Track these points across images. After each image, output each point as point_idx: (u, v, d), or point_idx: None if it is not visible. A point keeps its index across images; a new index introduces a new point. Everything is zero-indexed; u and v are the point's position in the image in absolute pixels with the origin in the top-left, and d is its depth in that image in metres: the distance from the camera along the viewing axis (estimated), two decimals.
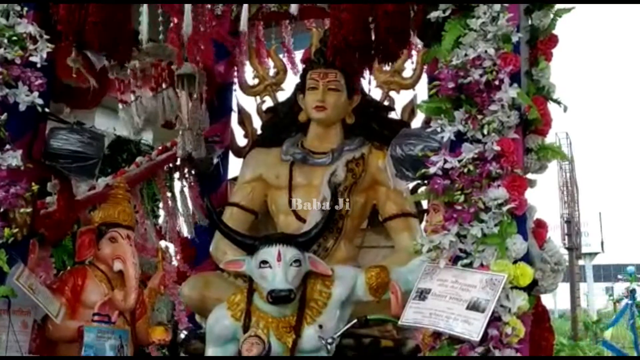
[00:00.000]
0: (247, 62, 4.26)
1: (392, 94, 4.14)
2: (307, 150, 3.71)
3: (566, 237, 18.39)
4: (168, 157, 3.87)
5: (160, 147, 4.00)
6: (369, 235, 3.90)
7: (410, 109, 4.02)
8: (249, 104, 4.26)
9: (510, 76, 2.22)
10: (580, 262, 23.73)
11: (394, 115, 4.03)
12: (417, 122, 3.94)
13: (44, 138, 2.57)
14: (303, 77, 3.79)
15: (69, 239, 3.07)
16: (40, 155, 2.54)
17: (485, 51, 2.18)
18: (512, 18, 2.24)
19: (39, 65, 2.41)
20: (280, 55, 4.42)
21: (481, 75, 2.18)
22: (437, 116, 2.25)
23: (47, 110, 2.46)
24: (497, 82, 2.18)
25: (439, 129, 2.22)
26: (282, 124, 3.92)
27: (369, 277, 2.99)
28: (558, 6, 2.41)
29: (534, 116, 2.22)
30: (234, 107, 4.22)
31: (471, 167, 2.15)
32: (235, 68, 4.27)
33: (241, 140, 4.25)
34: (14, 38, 2.40)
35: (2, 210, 2.28)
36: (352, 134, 3.74)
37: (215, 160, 4.05)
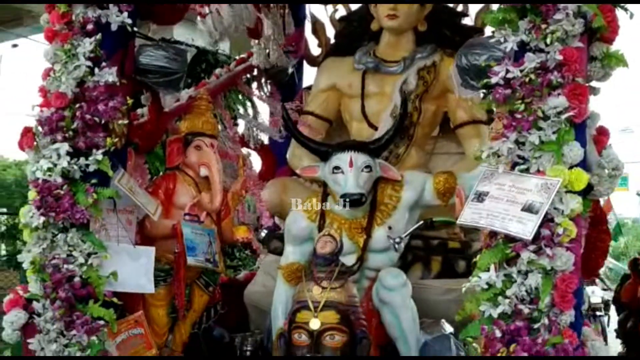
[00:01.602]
0: None
1: None
2: (379, 59, 3.82)
3: None
4: (246, 68, 4.11)
5: (237, 59, 4.24)
6: (441, 142, 4.04)
7: (484, 14, 4.03)
8: (322, 13, 4.41)
9: None
10: None
11: (468, 21, 4.08)
12: (490, 29, 3.96)
13: (134, 55, 2.86)
14: None
15: (160, 147, 3.42)
16: (131, 71, 2.84)
17: None
18: None
19: None
20: None
21: None
22: (502, 26, 2.34)
23: (135, 29, 2.73)
24: None
25: (502, 40, 2.33)
26: (355, 33, 4.03)
27: (437, 182, 3.17)
28: None
29: (599, 24, 2.26)
30: (308, 16, 4.38)
31: (533, 77, 2.25)
32: None
33: (315, 50, 4.44)
34: None
35: (103, 122, 2.62)
36: (424, 41, 3.82)
37: (290, 70, 4.27)
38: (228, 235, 3.26)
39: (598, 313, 10.09)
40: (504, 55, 2.35)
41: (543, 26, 2.26)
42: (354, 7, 4.21)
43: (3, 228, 11.19)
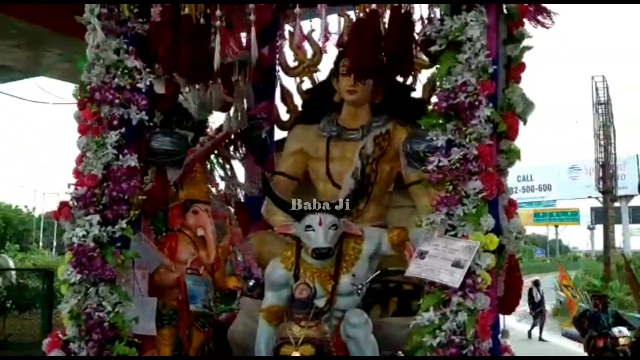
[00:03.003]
0: (288, 47, 5.36)
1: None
2: (341, 127, 4.68)
3: (600, 181, 19.31)
4: (225, 135, 5.04)
5: (217, 127, 5.17)
6: (396, 197, 4.83)
7: (430, 88, 5.03)
8: (291, 84, 5.40)
9: (489, 97, 3.31)
10: (617, 204, 24.80)
11: (416, 93, 5.08)
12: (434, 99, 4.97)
13: (146, 140, 3.78)
14: (337, 63, 4.80)
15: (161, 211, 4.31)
16: (146, 154, 3.75)
17: (469, 79, 3.28)
18: (489, 55, 3.30)
19: (143, 90, 3.61)
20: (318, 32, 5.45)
21: (466, 98, 3.26)
22: (434, 128, 3.38)
23: (151, 124, 3.66)
24: (476, 103, 3.25)
25: (434, 138, 3.36)
26: (319, 104, 4.92)
27: (391, 236, 3.97)
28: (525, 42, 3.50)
29: (501, 129, 3.34)
30: (278, 87, 5.34)
31: (458, 165, 3.25)
32: (277, 52, 5.38)
33: (284, 115, 5.40)
34: (125, 70, 3.58)
35: (126, 197, 3.52)
36: (379, 111, 4.68)
37: (263, 136, 5.21)
38: (221, 284, 4.20)
39: None
40: (437, 148, 3.38)
41: (464, 129, 3.28)
42: (319, 76, 5.18)
43: None
